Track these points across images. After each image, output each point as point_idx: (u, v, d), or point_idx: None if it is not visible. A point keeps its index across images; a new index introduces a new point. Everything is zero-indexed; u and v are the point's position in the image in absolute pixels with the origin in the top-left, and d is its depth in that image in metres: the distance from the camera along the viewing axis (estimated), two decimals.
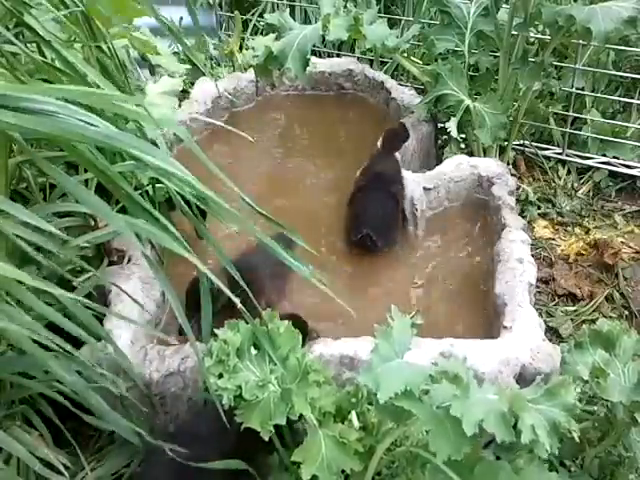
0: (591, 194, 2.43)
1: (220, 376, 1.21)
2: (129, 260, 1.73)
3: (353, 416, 1.23)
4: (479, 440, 1.19)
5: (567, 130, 2.50)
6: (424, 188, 2.04)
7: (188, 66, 2.81)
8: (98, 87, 1.13)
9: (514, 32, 2.24)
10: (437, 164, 2.19)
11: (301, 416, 1.18)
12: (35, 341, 1.07)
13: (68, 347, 1.07)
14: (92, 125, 0.88)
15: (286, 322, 1.30)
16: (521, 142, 2.54)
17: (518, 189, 2.27)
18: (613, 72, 2.60)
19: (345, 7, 2.26)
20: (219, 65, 3.00)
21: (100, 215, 1.02)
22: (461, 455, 1.01)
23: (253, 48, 2.71)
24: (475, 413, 0.99)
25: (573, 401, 1.04)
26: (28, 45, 1.31)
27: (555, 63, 2.48)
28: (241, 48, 2.94)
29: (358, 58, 2.93)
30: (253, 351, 1.26)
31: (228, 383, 1.19)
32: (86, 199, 0.98)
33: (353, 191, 2.03)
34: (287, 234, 1.22)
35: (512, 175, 2.21)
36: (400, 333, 1.13)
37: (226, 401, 1.18)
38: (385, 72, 2.85)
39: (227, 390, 1.18)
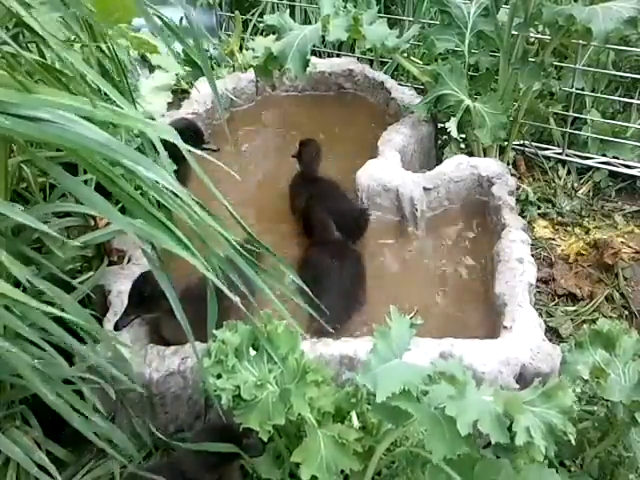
0: (591, 194, 2.43)
1: (219, 376, 1.21)
2: (129, 260, 1.73)
3: (353, 416, 1.23)
4: (479, 441, 1.19)
5: (567, 130, 2.49)
6: (424, 188, 2.04)
7: (188, 68, 2.82)
8: (98, 88, 1.13)
9: (514, 32, 2.23)
10: (437, 164, 2.19)
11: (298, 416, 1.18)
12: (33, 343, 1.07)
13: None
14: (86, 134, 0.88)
15: (284, 322, 1.30)
16: (521, 142, 2.54)
17: (518, 189, 2.27)
18: (613, 72, 2.60)
19: (345, 7, 2.26)
20: (219, 65, 3.00)
21: (103, 214, 1.02)
22: (456, 455, 1.01)
23: (253, 49, 2.72)
24: (470, 413, 0.99)
25: (570, 403, 1.04)
26: (28, 45, 1.32)
27: (555, 63, 2.47)
28: (241, 48, 2.95)
29: (358, 58, 2.94)
30: (252, 352, 1.26)
31: (227, 383, 1.19)
32: (88, 198, 0.98)
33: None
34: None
35: (512, 175, 2.21)
36: (398, 334, 1.13)
37: (225, 401, 1.18)
38: (385, 72, 2.85)
39: (226, 390, 1.18)
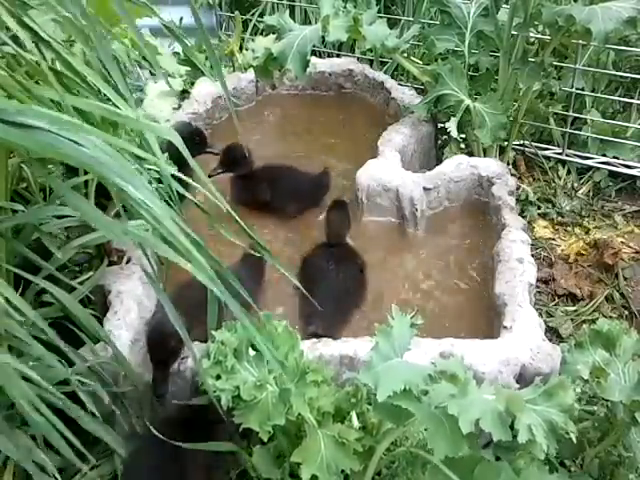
0: (591, 194, 2.43)
1: (218, 377, 1.20)
2: (129, 260, 1.73)
3: (353, 416, 1.23)
4: (478, 441, 1.20)
5: (567, 130, 2.49)
6: (424, 188, 2.04)
7: (188, 68, 2.81)
8: (98, 89, 1.13)
9: (514, 32, 2.23)
10: (437, 164, 2.19)
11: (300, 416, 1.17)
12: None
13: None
14: (81, 144, 0.87)
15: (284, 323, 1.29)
16: (521, 142, 2.54)
17: (518, 189, 2.27)
18: (613, 72, 2.60)
19: (345, 8, 2.26)
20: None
21: (92, 223, 1.00)
22: (458, 454, 1.01)
23: (253, 50, 2.71)
24: (472, 412, 0.99)
25: (571, 402, 1.04)
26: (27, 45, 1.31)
27: (555, 63, 2.47)
28: (241, 48, 2.94)
29: (358, 58, 2.94)
30: (251, 352, 1.26)
31: (226, 384, 1.18)
32: (79, 206, 0.96)
33: None
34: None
35: (512, 175, 2.21)
36: (400, 332, 1.13)
37: (224, 402, 1.18)
38: (385, 72, 2.85)
39: (225, 391, 1.18)
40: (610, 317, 1.91)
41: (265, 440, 1.18)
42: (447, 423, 1.01)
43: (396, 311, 1.17)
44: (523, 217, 2.14)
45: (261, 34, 3.00)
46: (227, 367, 1.20)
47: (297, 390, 1.18)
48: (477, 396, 1.03)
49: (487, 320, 1.72)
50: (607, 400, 1.27)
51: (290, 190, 2.13)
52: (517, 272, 1.69)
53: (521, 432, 0.99)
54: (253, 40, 2.90)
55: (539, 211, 2.33)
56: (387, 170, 2.07)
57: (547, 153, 2.55)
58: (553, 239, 2.23)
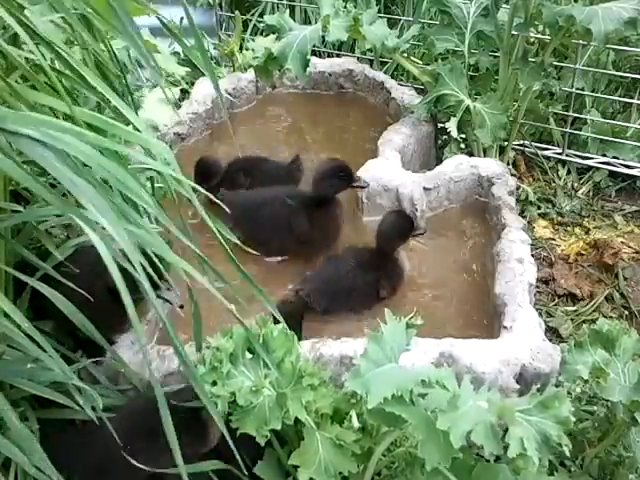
0: (591, 194, 2.43)
1: (214, 383, 1.19)
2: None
3: (353, 416, 1.22)
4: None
5: (567, 130, 2.49)
6: (424, 188, 2.04)
7: (187, 69, 2.81)
8: (96, 89, 1.12)
9: (514, 32, 2.24)
10: (437, 164, 2.19)
11: (298, 419, 1.17)
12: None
13: None
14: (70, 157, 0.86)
15: (280, 325, 1.28)
16: (521, 142, 2.54)
17: (518, 189, 2.27)
18: (613, 72, 2.60)
19: (345, 7, 2.26)
20: (219, 65, 3.00)
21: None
22: (449, 462, 0.99)
23: (253, 50, 2.71)
24: (463, 425, 0.97)
25: (567, 414, 1.02)
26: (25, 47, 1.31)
27: (555, 63, 2.47)
28: (241, 48, 2.94)
29: (358, 58, 2.94)
30: (248, 356, 1.24)
31: (222, 390, 1.17)
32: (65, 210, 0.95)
33: None
34: None
35: (512, 175, 2.21)
36: (393, 337, 1.11)
37: (220, 408, 1.16)
38: (385, 72, 2.85)
39: (221, 397, 1.16)
40: (610, 317, 1.92)
41: (262, 444, 1.17)
42: (440, 430, 0.99)
43: (389, 316, 1.15)
44: (523, 217, 2.14)
45: (261, 34, 3.00)
46: (222, 373, 1.19)
47: (293, 394, 1.17)
48: (469, 407, 1.01)
49: (487, 320, 1.72)
50: (607, 400, 1.27)
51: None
52: (517, 272, 1.69)
53: (512, 445, 0.97)
54: (253, 40, 2.90)
55: (539, 211, 2.34)
56: (387, 170, 2.07)
57: (547, 153, 2.55)
58: (553, 239, 2.23)
